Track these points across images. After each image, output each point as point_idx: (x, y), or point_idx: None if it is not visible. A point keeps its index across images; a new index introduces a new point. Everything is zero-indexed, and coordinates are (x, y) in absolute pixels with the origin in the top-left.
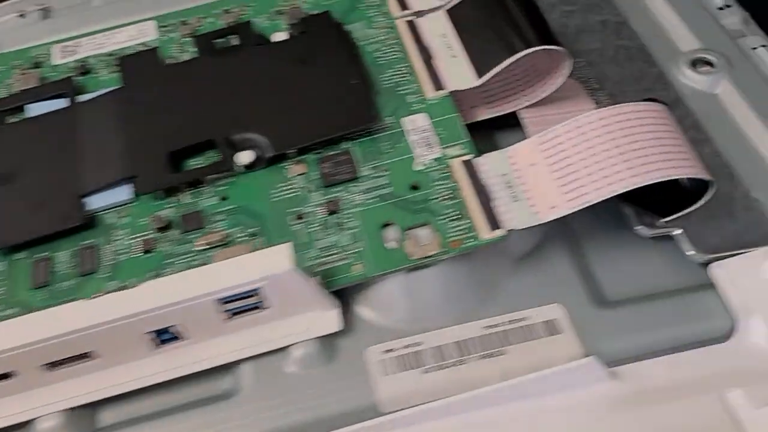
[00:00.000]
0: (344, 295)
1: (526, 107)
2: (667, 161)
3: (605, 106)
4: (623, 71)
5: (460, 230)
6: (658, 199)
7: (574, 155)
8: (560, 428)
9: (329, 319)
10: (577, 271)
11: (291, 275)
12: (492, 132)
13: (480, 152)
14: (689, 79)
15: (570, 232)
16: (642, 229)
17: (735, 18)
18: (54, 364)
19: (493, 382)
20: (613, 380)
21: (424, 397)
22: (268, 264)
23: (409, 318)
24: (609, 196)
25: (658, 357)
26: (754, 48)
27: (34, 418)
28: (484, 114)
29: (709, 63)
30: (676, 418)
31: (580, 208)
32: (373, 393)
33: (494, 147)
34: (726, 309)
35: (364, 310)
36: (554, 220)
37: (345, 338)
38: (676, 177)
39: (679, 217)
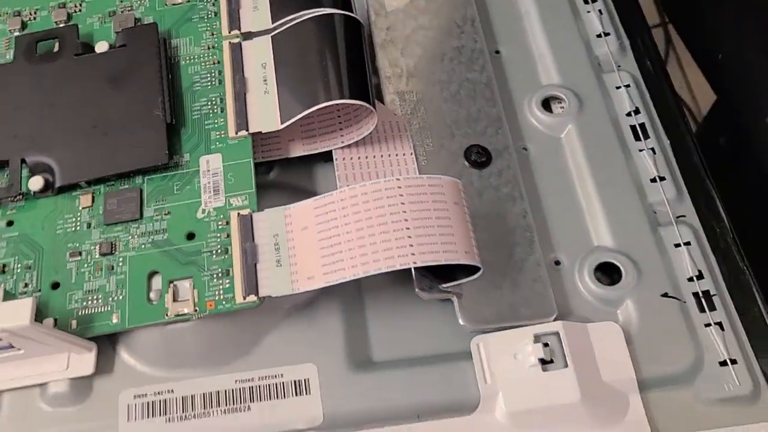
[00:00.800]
0: (111, 337)
1: (342, 147)
2: (430, 246)
3: (425, 153)
4: (460, 111)
5: (219, 290)
6: (439, 266)
7: (342, 226)
8: None
9: (84, 362)
10: (346, 329)
11: (29, 330)
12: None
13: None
14: (537, 119)
15: (354, 288)
16: (421, 293)
17: (612, 47)
18: None
19: None
20: None
21: None
22: (8, 318)
23: (165, 365)
24: (363, 276)
25: (401, 424)
26: (619, 87)
27: None
28: (300, 150)
29: (560, 103)
30: None
31: (335, 283)
32: None
33: (310, 181)
34: (476, 383)
35: (125, 354)
36: None
37: (102, 379)
38: (430, 264)
39: (459, 284)
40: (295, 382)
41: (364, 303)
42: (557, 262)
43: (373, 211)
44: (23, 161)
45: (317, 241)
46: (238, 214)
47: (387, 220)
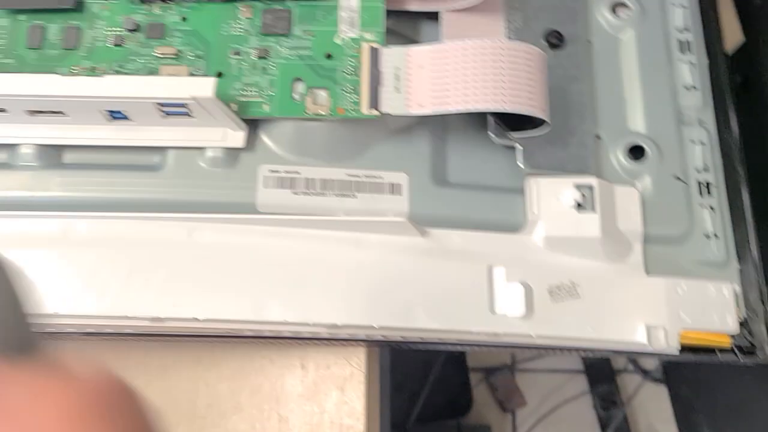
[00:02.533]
0: (255, 123)
1: (450, 11)
2: (517, 97)
3: (513, 29)
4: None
5: (349, 101)
6: (513, 118)
7: (453, 71)
8: (374, 258)
9: (237, 137)
10: (432, 152)
11: (210, 101)
12: (419, 19)
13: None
14: (604, 19)
15: (442, 121)
16: (493, 137)
17: (696, 101)
18: (35, 112)
19: (339, 215)
20: (420, 237)
21: (288, 210)
22: (197, 89)
23: (296, 152)
24: (463, 111)
25: (463, 230)
26: (675, 5)
27: (17, 144)
28: (415, 6)
29: (627, 8)
30: (453, 273)
31: (439, 113)
32: (255, 197)
33: (413, 31)
34: (523, 211)
35: (266, 137)
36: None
37: (247, 153)
38: (517, 112)
39: (525, 136)
40: (391, 184)
41: (448, 137)
42: (598, 137)
43: (479, 62)
44: None
45: (431, 79)
46: (369, 45)
47: (488, 71)
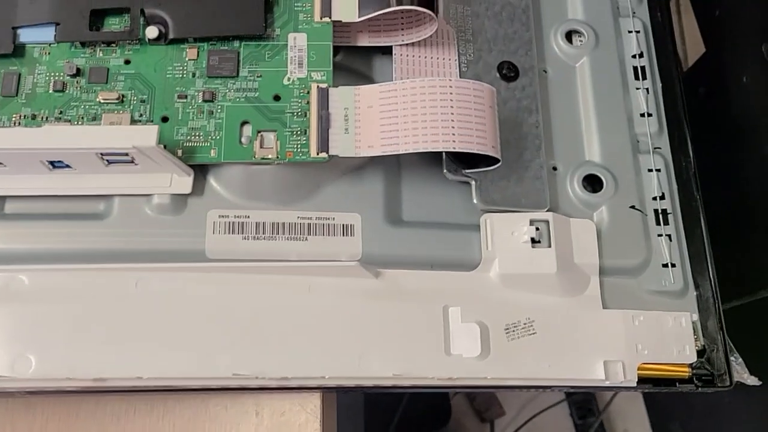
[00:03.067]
0: (204, 167)
1: (401, 45)
2: (467, 136)
3: (466, 62)
4: (499, 30)
5: (297, 144)
6: (467, 154)
7: (401, 110)
8: (326, 303)
9: (184, 183)
10: (386, 190)
11: (153, 150)
12: (373, 54)
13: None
14: (559, 48)
15: (396, 159)
16: (448, 174)
17: (652, 128)
18: None
19: (291, 258)
20: (374, 279)
21: (238, 256)
22: (139, 138)
23: (246, 196)
24: (412, 151)
25: (416, 270)
26: (631, 31)
27: None
28: (366, 41)
29: (581, 35)
30: (407, 314)
31: (389, 153)
32: (204, 243)
33: (367, 67)
34: (479, 249)
35: (214, 182)
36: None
37: (195, 199)
38: (466, 150)
39: (478, 172)
40: (343, 225)
41: (401, 175)
42: (555, 168)
43: (428, 102)
44: (142, 11)
45: (379, 119)
46: (317, 86)
47: (437, 111)
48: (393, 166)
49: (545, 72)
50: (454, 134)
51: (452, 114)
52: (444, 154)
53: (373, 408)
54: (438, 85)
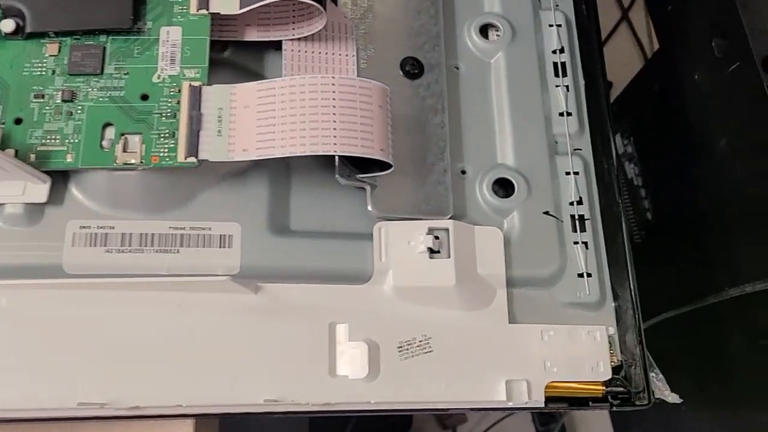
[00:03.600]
0: (64, 173)
1: (292, 40)
2: (350, 138)
3: (366, 58)
4: (404, 23)
5: (164, 148)
6: (360, 158)
7: (279, 110)
8: (197, 321)
9: (39, 191)
10: (271, 197)
11: None
12: (265, 50)
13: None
14: (473, 42)
15: (285, 164)
16: (340, 178)
17: (571, 128)
18: None
19: (161, 272)
20: (252, 294)
21: (100, 271)
22: None
23: (111, 205)
24: (289, 156)
25: (302, 284)
26: (551, 25)
27: None
28: (254, 36)
29: (497, 29)
30: (288, 333)
31: (265, 158)
32: (62, 257)
33: (259, 65)
34: (373, 260)
35: (75, 189)
36: None
37: (53, 208)
38: (348, 154)
39: (373, 176)
40: (220, 236)
41: (290, 180)
42: (463, 172)
43: (308, 102)
44: None
45: (255, 120)
46: (190, 84)
47: (318, 111)
48: (281, 170)
49: (457, 68)
50: (335, 136)
51: (334, 114)
52: (336, 157)
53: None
54: (319, 83)
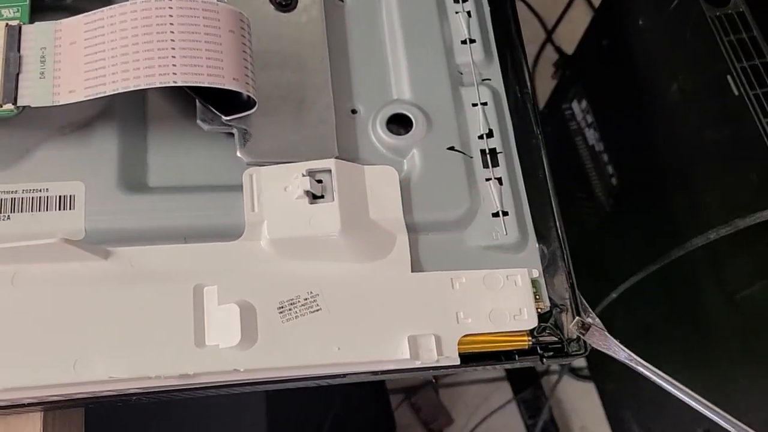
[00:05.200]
0: None
1: None
2: (193, 66)
3: None
4: None
5: None
6: (221, 98)
7: (108, 42)
8: (35, 296)
9: None
10: (123, 153)
11: None
12: None
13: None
14: None
15: (139, 114)
16: (202, 123)
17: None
18: None
19: None
20: (102, 260)
21: None
22: None
23: None
24: (122, 91)
25: (162, 245)
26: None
27: None
28: None
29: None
30: (146, 302)
31: (94, 97)
32: None
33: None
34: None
35: None
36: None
37: None
38: (191, 84)
39: (240, 117)
40: (60, 197)
41: (147, 130)
42: (354, 111)
43: (140, 29)
44: None
45: (83, 56)
46: (7, 24)
47: (153, 39)
48: (136, 119)
49: (342, 0)
50: (174, 65)
51: (173, 41)
52: (197, 100)
53: (298, 429)
54: (154, 7)
